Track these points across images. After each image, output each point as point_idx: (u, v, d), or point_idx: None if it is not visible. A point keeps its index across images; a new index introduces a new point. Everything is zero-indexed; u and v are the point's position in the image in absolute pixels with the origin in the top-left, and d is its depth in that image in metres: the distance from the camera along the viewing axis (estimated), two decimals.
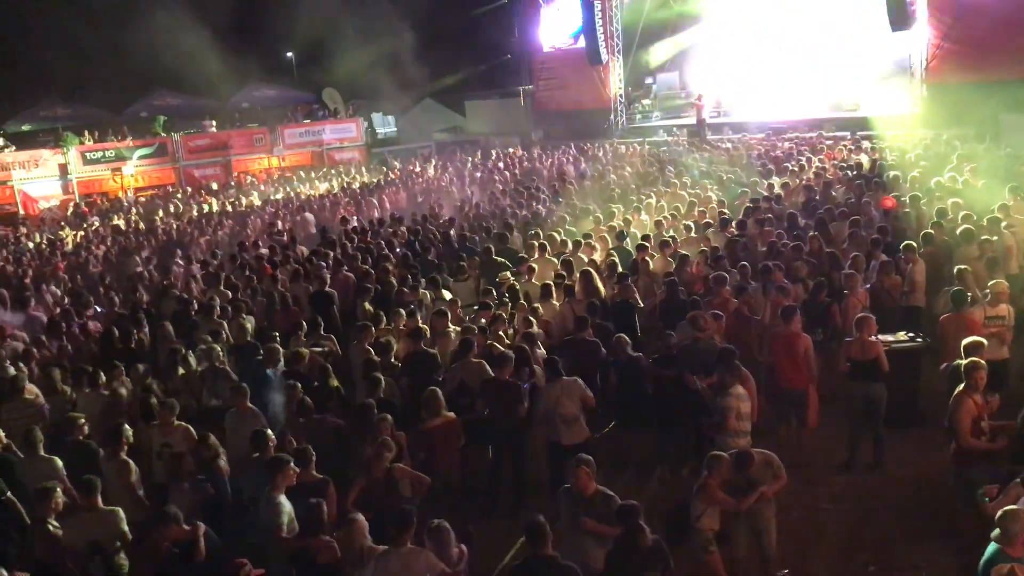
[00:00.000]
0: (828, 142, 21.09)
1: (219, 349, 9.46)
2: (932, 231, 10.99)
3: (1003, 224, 10.72)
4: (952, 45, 22.58)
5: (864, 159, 17.81)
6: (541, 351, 8.90)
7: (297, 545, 5.86)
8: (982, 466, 6.63)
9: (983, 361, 6.86)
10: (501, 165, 26.40)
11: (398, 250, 14.14)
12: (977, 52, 21.96)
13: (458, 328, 9.63)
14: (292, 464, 6.33)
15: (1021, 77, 20.82)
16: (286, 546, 5.94)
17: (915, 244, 10.41)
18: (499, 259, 12.34)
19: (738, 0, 29.29)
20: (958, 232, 10.58)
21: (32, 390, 8.80)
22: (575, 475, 6.01)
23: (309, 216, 20.50)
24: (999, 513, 5.05)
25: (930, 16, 22.83)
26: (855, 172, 16.15)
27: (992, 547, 5.02)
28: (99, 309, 12.84)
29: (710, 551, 6.20)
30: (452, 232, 15.12)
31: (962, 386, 6.82)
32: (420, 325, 9.54)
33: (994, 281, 8.70)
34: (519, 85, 37.78)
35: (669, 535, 6.10)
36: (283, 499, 6.21)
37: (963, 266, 9.40)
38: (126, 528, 6.23)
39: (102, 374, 8.94)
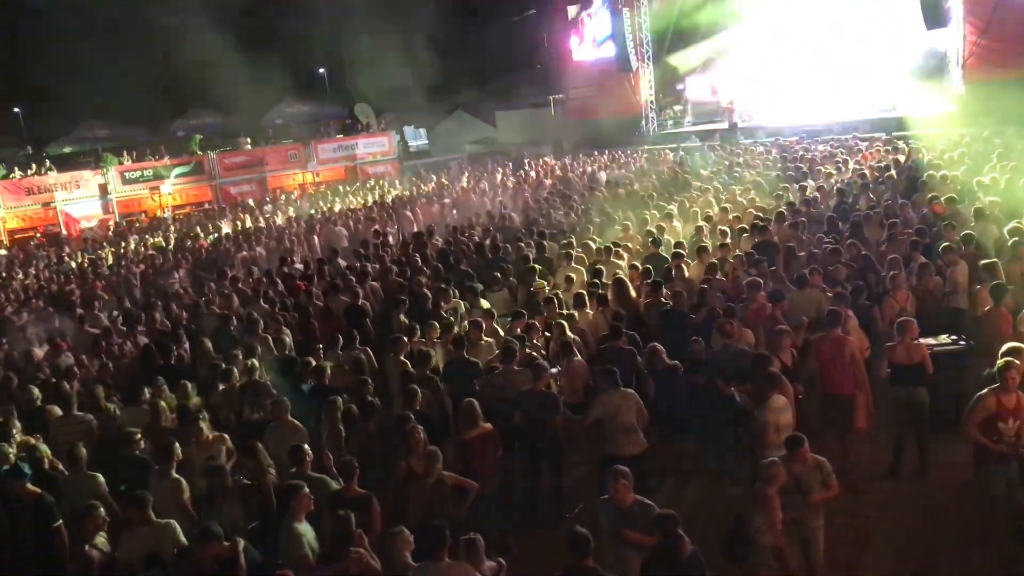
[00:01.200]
0: (864, 144, 20.80)
1: (259, 364, 9.57)
2: (972, 232, 10.78)
3: None
4: (989, 42, 22.21)
5: (901, 160, 17.53)
6: (579, 358, 8.87)
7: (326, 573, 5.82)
8: (997, 466, 6.53)
9: (1018, 362, 6.69)
10: (533, 175, 26.45)
11: (432, 262, 14.19)
12: (1015, 48, 21.59)
13: (492, 340, 9.64)
14: (306, 489, 6.27)
15: None
16: (321, 574, 5.89)
17: (954, 246, 10.23)
18: (535, 267, 12.35)
19: (769, 3, 29.07)
20: (1006, 232, 10.35)
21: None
22: (614, 487, 5.98)
23: (341, 230, 20.68)
24: None
25: (966, 13, 22.49)
26: (892, 173, 15.89)
27: None
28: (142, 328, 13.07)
29: (769, 565, 6.05)
30: (486, 243, 15.14)
31: (994, 385, 6.67)
32: (462, 334, 9.57)
33: None
34: (550, 95, 37.88)
35: (730, 553, 6.02)
36: (302, 527, 6.16)
37: (992, 260, 9.23)
38: (184, 539, 6.27)
39: (145, 390, 9.09)
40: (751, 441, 7.33)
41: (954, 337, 8.82)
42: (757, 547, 6.02)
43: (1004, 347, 7.10)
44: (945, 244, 10.26)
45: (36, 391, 9.41)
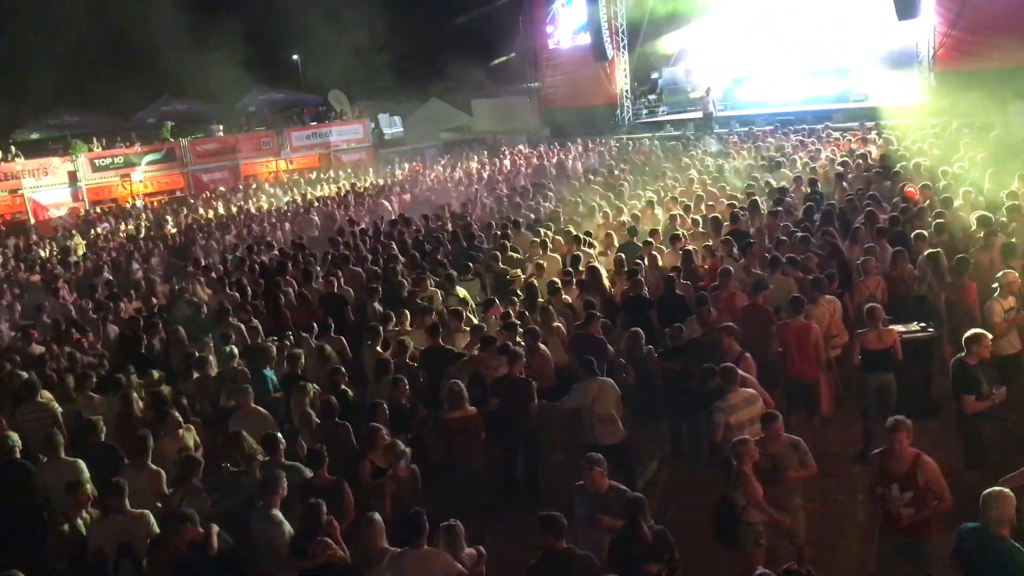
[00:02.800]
0: (836, 133, 20.98)
1: (235, 351, 9.52)
2: (941, 220, 10.90)
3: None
4: (959, 33, 22.42)
5: (873, 149, 17.69)
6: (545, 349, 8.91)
7: (300, 565, 5.80)
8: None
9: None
10: (508, 163, 26.42)
11: (408, 251, 14.15)
12: (984, 40, 21.80)
13: (467, 328, 9.65)
14: (284, 479, 6.26)
15: None
16: (293, 566, 5.87)
17: (926, 233, 10.36)
18: (512, 256, 12.37)
19: None
20: (975, 219, 10.49)
21: (45, 395, 8.87)
22: (589, 476, 6.04)
23: (314, 218, 20.56)
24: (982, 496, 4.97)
25: (937, 5, 22.68)
26: (864, 162, 16.04)
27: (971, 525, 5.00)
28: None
29: (760, 544, 6.12)
30: (460, 231, 15.11)
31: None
32: (437, 321, 9.56)
33: (1002, 272, 8.49)
34: (525, 83, 37.79)
35: (721, 536, 6.08)
36: (280, 514, 6.14)
37: (935, 251, 9.57)
38: (158, 529, 6.23)
39: (120, 379, 8.99)
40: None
41: (923, 324, 8.95)
42: (744, 527, 6.10)
43: (967, 335, 7.22)
44: (917, 232, 10.38)
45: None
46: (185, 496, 6.53)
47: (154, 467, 7.07)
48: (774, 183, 15.02)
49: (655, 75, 32.47)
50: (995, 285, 8.44)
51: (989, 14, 21.64)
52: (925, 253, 9.70)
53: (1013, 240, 9.71)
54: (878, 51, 26.03)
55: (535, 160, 25.98)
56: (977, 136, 17.03)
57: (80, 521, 6.35)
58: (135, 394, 8.68)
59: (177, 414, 7.85)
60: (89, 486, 6.58)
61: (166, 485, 6.94)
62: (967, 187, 12.39)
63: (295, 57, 44.10)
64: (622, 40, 31.63)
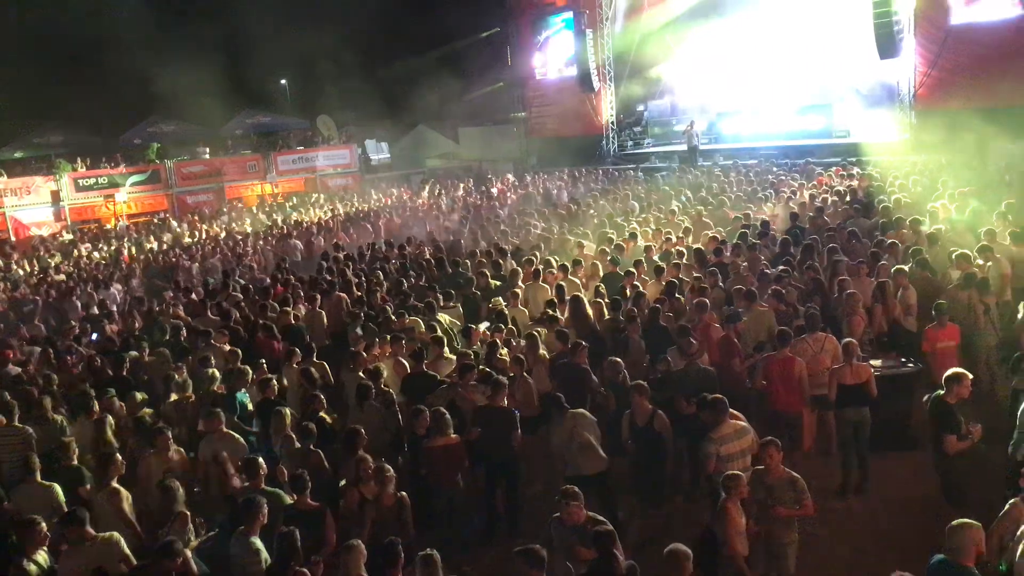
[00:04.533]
0: (819, 169, 21.23)
1: (215, 374, 9.46)
2: (926, 256, 11.02)
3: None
4: (939, 73, 22.85)
5: (855, 185, 17.90)
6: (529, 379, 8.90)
7: None
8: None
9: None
10: (495, 191, 26.53)
11: (390, 276, 14.14)
12: (964, 80, 22.24)
13: (452, 356, 9.64)
14: (265, 505, 6.21)
15: (1007, 104, 21.05)
16: None
17: (905, 268, 10.47)
18: (496, 283, 12.40)
19: (728, 29, 29.60)
20: (954, 257, 10.63)
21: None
22: (566, 510, 6.01)
23: (296, 243, 20.52)
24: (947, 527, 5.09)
25: (918, 44, 23.10)
26: (846, 198, 16.21)
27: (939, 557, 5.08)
28: (95, 336, 12.83)
29: None
30: (444, 258, 15.12)
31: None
32: (420, 347, 9.54)
33: None
34: (513, 112, 38.05)
35: (702, 569, 6.05)
36: (259, 541, 6.08)
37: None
38: (128, 552, 6.13)
39: (94, 402, 8.89)
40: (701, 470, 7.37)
41: (903, 359, 9.03)
42: (724, 560, 6.07)
43: (948, 372, 7.30)
44: (897, 267, 10.50)
45: None
46: (173, 523, 6.45)
47: (115, 486, 6.98)
48: (757, 216, 15.16)
49: (640, 107, 32.82)
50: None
51: (967, 55, 22.08)
52: (908, 289, 9.79)
53: (984, 277, 9.85)
54: (860, 88, 26.51)
55: (521, 189, 26.11)
56: (957, 174, 17.26)
57: (42, 555, 6.20)
58: (110, 416, 8.59)
59: (169, 435, 7.75)
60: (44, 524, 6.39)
61: (128, 504, 6.85)
62: (946, 224, 12.56)
63: (283, 82, 44.23)
64: (608, 72, 31.99)
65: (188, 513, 6.63)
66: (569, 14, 32.29)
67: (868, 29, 22.97)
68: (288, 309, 12.00)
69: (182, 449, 7.92)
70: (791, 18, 27.86)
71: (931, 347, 8.98)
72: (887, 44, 22.54)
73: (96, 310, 15.17)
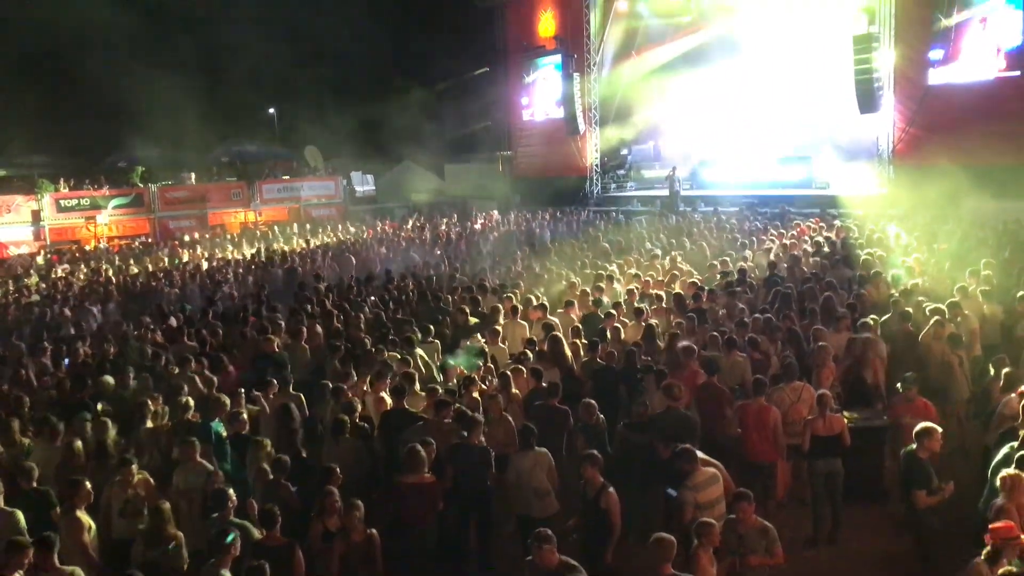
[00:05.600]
0: (798, 219, 21.52)
1: (190, 402, 9.36)
2: (908, 309, 11.16)
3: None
4: (917, 130, 23.33)
5: (833, 236, 18.14)
6: (509, 418, 8.87)
7: None
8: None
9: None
10: (479, 227, 26.66)
11: (369, 309, 14.12)
12: (941, 138, 22.68)
13: (423, 393, 9.60)
14: (237, 541, 6.14)
15: (983, 163, 21.50)
16: None
17: (876, 321, 10.64)
18: (472, 320, 12.40)
19: (712, 79, 30.17)
20: (927, 311, 10.79)
21: None
22: (538, 554, 5.97)
23: (277, 271, 20.47)
24: None
25: (897, 101, 23.61)
26: (824, 249, 16.43)
27: None
28: (67, 361, 12.68)
29: None
30: (425, 291, 15.14)
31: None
32: (400, 383, 9.50)
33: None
34: (499, 151, 38.39)
35: None
36: (228, 574, 5.99)
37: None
38: None
39: (60, 425, 8.76)
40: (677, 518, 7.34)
41: (876, 411, 9.12)
42: None
43: (918, 427, 7.38)
44: (864, 321, 10.64)
45: None
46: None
47: (78, 515, 6.86)
48: (735, 263, 15.32)
49: (624, 151, 33.20)
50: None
51: (944, 114, 22.57)
52: (857, 340, 9.91)
53: (958, 333, 10.01)
54: (840, 142, 26.98)
55: (504, 226, 26.27)
56: (933, 229, 17.57)
57: None
58: (79, 441, 8.47)
59: (135, 467, 7.62)
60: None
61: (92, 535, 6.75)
62: (922, 279, 12.77)
63: (271, 111, 44.45)
64: (594, 116, 32.42)
65: (181, 534, 6.55)
66: (558, 58, 32.80)
67: (849, 84, 23.48)
68: (272, 337, 11.94)
69: (150, 478, 7.79)
70: (774, 70, 28.48)
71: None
72: (867, 99, 23.03)
73: (73, 331, 15.03)
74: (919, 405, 8.49)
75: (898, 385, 8.84)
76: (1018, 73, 21.22)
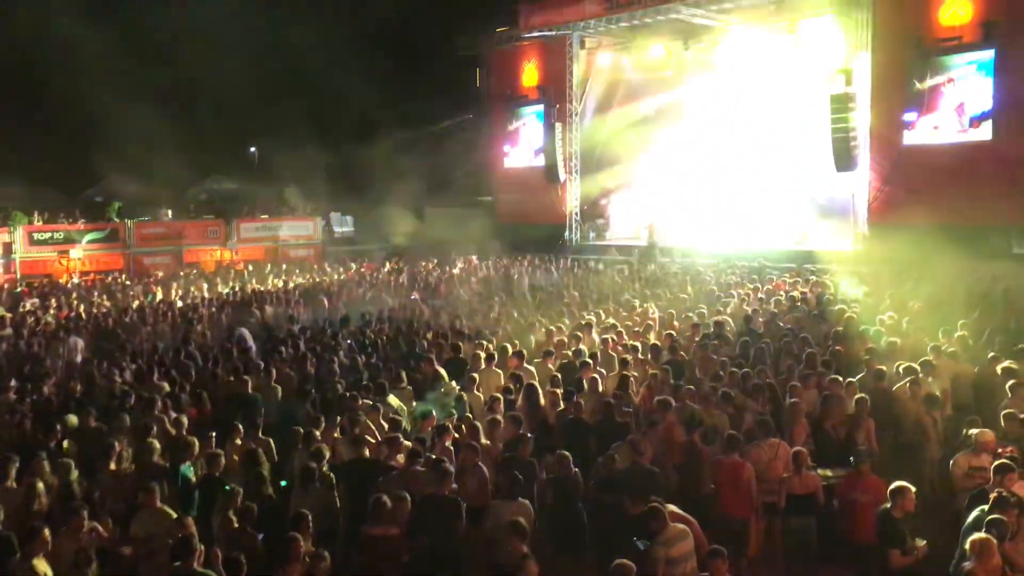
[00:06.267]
0: (774, 273, 21.70)
1: (156, 445, 9.16)
2: (882, 367, 11.20)
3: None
4: (892, 189, 23.74)
5: (808, 292, 18.28)
6: (483, 468, 8.75)
7: None
8: None
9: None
10: (457, 271, 26.64)
11: (344, 353, 13.98)
12: (913, 197, 23.14)
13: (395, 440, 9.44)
14: None
15: (957, 223, 21.91)
16: None
17: (853, 380, 10.68)
18: (449, 368, 12.31)
19: (691, 133, 30.68)
20: (901, 370, 10.85)
21: None
22: None
23: (255, 311, 20.24)
24: None
25: (872, 160, 24.05)
26: (798, 304, 16.54)
27: None
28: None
29: None
30: (401, 337, 15.04)
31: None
32: (361, 433, 9.34)
33: (980, 430, 8.57)
34: (479, 196, 38.57)
35: None
36: None
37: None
38: None
39: (14, 467, 8.45)
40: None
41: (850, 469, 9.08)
42: None
43: (892, 486, 7.36)
44: (833, 378, 10.68)
45: None
46: None
47: (33, 563, 6.61)
48: (711, 316, 15.37)
49: (604, 201, 33.49)
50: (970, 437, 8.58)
51: (919, 174, 23.04)
52: (854, 399, 9.94)
53: (936, 393, 10.05)
54: (817, 198, 27.43)
55: (483, 271, 26.27)
56: (907, 288, 17.75)
57: None
58: (41, 484, 8.22)
59: (85, 514, 7.37)
60: None
61: None
62: (895, 337, 12.86)
63: (252, 150, 44.50)
64: (575, 165, 32.75)
65: None
66: (540, 107, 33.18)
67: (826, 142, 23.89)
68: (247, 378, 11.76)
69: (107, 525, 7.56)
70: (753, 127, 28.98)
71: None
72: (844, 158, 23.46)
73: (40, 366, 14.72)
74: (871, 483, 7.92)
75: (851, 459, 8.33)
76: (989, 137, 21.74)
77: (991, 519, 6.65)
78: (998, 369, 10.69)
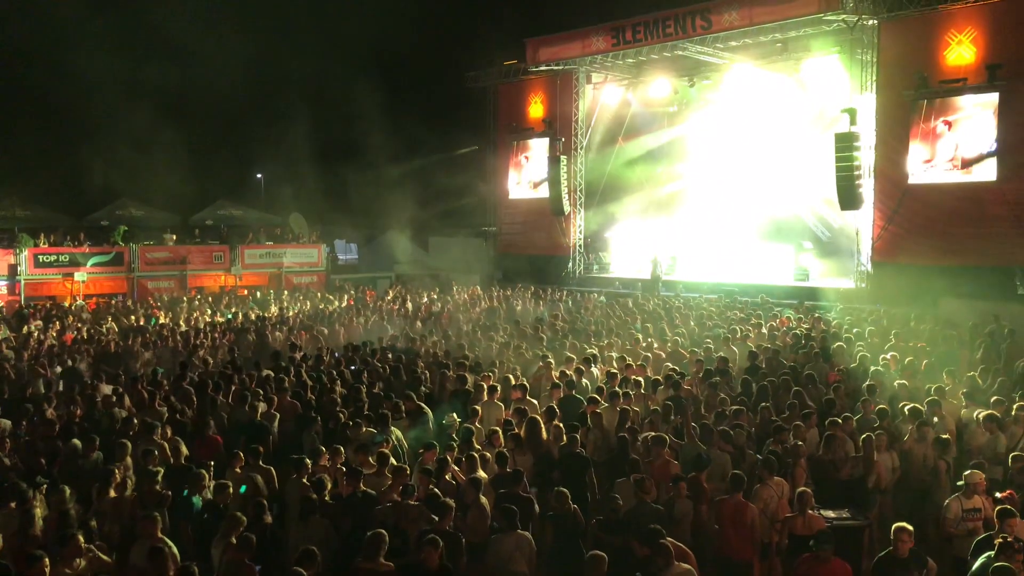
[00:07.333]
0: (777, 309, 21.68)
1: (157, 471, 9.11)
2: (884, 407, 11.14)
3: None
4: (896, 228, 23.78)
5: (811, 329, 18.25)
6: (484, 500, 8.69)
7: None
8: None
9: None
10: (460, 301, 26.63)
11: (346, 381, 13.93)
12: (915, 237, 23.22)
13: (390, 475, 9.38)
14: None
15: (958, 263, 21.95)
16: None
17: (851, 417, 10.64)
18: (454, 399, 12.28)
19: (697, 169, 30.84)
20: (907, 411, 10.79)
21: None
22: None
23: (252, 337, 20.23)
24: None
25: (876, 199, 24.11)
26: (802, 341, 16.50)
27: None
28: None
29: None
30: (403, 367, 14.98)
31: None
32: (359, 465, 9.29)
33: (970, 471, 8.53)
34: (483, 226, 38.70)
35: None
36: None
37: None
38: None
39: (13, 492, 8.42)
40: None
41: (854, 511, 9.02)
42: None
43: (894, 526, 7.30)
44: (832, 419, 10.62)
45: None
46: None
47: None
48: (715, 352, 15.33)
49: (608, 234, 33.58)
50: (960, 483, 8.53)
51: (923, 214, 23.09)
52: (861, 439, 9.89)
53: (946, 436, 9.97)
54: (821, 235, 27.49)
55: (486, 302, 26.27)
56: (910, 327, 17.73)
57: None
58: (38, 510, 8.17)
59: (81, 539, 7.32)
60: None
61: None
62: (899, 376, 12.81)
63: (259, 176, 44.76)
64: (579, 197, 32.90)
65: None
66: (546, 139, 33.40)
67: (831, 180, 23.97)
68: (257, 404, 11.74)
69: (104, 555, 7.49)
70: (756, 163, 29.11)
71: None
72: (848, 196, 23.50)
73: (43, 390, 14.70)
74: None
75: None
76: (993, 178, 21.82)
77: (997, 566, 6.58)
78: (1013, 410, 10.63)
